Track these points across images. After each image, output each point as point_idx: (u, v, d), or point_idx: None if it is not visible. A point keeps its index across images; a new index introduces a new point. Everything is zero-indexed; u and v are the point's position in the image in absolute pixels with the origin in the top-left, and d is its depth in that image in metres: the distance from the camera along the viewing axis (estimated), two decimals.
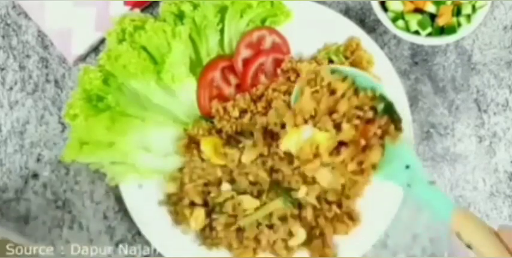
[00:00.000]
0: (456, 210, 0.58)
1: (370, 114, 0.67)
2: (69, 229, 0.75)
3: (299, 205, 0.71)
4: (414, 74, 0.76)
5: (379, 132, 0.66)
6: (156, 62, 0.70)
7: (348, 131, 0.66)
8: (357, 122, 0.66)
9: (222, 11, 0.71)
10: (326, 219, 0.71)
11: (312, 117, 0.68)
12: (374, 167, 0.66)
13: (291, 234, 0.71)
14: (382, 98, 0.68)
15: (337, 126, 0.67)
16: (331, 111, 0.68)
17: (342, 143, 0.67)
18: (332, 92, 0.68)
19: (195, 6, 0.70)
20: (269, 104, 0.71)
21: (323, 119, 0.67)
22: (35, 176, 0.76)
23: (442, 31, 0.72)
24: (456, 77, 0.76)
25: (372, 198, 0.72)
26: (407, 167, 0.64)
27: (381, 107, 0.68)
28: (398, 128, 0.67)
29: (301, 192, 0.70)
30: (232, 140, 0.71)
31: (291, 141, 0.68)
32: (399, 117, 0.68)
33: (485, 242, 0.56)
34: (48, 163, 0.76)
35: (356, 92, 0.68)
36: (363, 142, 0.66)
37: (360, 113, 0.67)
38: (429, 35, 0.72)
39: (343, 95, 0.68)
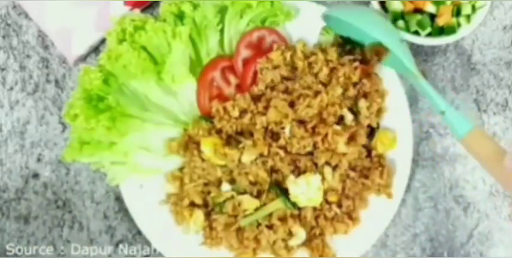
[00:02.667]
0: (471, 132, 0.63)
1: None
2: (70, 229, 0.75)
3: None
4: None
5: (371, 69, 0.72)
6: (156, 62, 0.70)
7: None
8: (356, 64, 0.71)
9: (222, 11, 0.72)
10: (326, 219, 0.71)
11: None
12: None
13: (290, 234, 0.71)
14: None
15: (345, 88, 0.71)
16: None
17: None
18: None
19: (195, 7, 0.71)
20: (269, 104, 0.71)
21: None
22: (36, 175, 0.76)
23: (441, 31, 0.72)
24: (456, 77, 0.76)
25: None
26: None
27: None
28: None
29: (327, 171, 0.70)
30: (232, 140, 0.71)
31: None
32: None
33: (488, 167, 0.61)
34: (48, 163, 0.76)
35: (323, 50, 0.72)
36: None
37: (350, 57, 0.71)
38: (429, 35, 0.72)
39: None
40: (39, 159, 0.76)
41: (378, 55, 0.71)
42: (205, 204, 0.72)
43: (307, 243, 0.71)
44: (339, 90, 0.70)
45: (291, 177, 0.69)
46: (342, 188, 0.71)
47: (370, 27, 0.68)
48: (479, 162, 0.63)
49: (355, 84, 0.71)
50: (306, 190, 0.69)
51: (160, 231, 0.72)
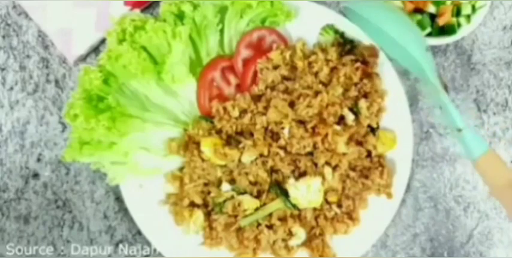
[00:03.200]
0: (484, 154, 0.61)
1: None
2: (70, 229, 0.75)
3: None
4: (414, 74, 0.76)
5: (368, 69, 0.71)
6: (156, 62, 0.70)
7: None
8: (357, 64, 0.70)
9: (222, 11, 0.72)
10: (326, 219, 0.71)
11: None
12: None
13: (290, 234, 0.71)
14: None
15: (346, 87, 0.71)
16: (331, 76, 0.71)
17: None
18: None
19: (195, 7, 0.71)
20: (269, 104, 0.71)
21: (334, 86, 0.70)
22: (36, 175, 0.76)
23: (441, 31, 0.72)
24: (456, 77, 0.76)
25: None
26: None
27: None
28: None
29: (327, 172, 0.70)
30: (232, 140, 0.71)
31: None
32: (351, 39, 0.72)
33: (498, 192, 0.60)
34: (48, 163, 0.76)
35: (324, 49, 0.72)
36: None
37: (351, 57, 0.71)
38: (429, 35, 0.72)
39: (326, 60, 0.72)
40: (39, 159, 0.76)
41: (372, 55, 0.71)
42: (205, 204, 0.72)
43: (307, 243, 0.71)
44: (339, 90, 0.70)
45: (291, 180, 0.69)
46: (342, 188, 0.71)
47: (399, 32, 0.65)
48: (488, 186, 0.62)
49: (355, 84, 0.71)
50: (306, 193, 0.69)
51: (160, 231, 0.72)
